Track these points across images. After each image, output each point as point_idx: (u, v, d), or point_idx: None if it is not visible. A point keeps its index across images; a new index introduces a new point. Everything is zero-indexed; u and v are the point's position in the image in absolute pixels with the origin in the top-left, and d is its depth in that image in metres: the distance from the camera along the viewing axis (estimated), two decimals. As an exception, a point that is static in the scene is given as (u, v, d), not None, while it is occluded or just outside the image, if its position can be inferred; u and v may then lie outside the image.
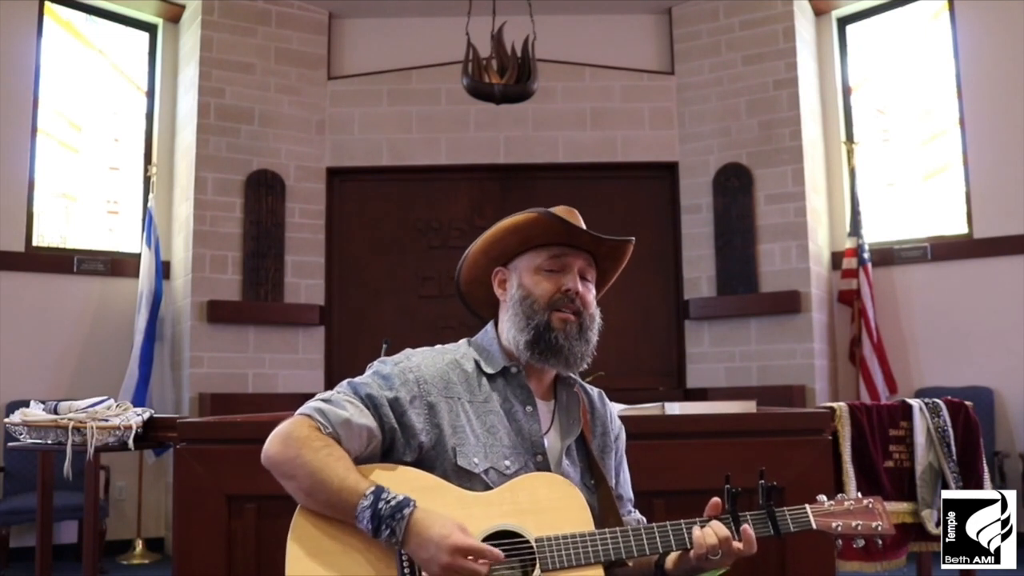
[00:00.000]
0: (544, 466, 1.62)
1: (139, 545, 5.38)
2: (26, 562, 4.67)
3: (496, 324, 1.75)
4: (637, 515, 1.79)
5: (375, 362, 1.68)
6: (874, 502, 1.65)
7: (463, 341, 1.76)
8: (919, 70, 5.90)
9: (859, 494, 1.69)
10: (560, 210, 1.70)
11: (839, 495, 1.66)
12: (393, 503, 1.45)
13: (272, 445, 1.53)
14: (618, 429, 1.83)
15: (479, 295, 1.78)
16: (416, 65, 6.10)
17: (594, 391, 1.83)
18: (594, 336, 1.69)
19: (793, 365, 5.51)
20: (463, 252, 1.77)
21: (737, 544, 1.54)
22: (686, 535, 1.55)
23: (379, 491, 1.46)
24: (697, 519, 1.58)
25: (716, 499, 1.60)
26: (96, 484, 3.62)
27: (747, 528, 1.56)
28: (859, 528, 1.61)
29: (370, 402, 1.58)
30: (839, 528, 1.61)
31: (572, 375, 1.75)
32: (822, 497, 1.65)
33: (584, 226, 1.70)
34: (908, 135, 5.93)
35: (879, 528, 1.62)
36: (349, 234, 6.09)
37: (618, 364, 5.62)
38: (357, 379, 1.64)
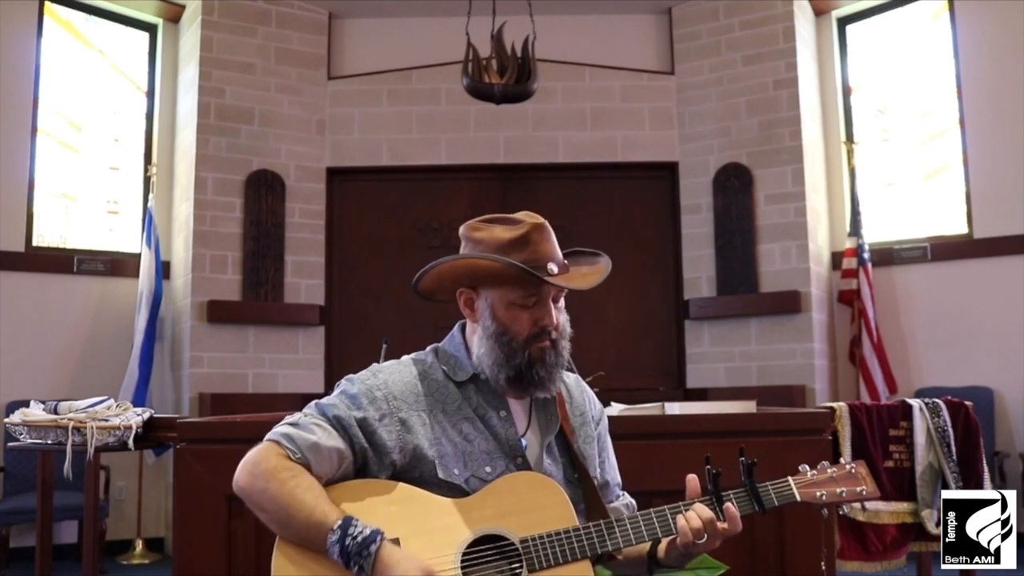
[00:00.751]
0: (525, 468, 1.61)
1: (139, 545, 5.38)
2: (26, 562, 4.67)
3: (463, 330, 1.72)
4: (627, 499, 1.78)
5: (343, 380, 1.66)
6: (856, 466, 1.63)
7: (429, 349, 1.73)
8: (919, 70, 5.90)
9: (841, 460, 1.67)
10: (533, 231, 1.60)
11: (821, 463, 1.64)
12: (360, 539, 1.42)
13: (241, 476, 1.52)
14: (599, 413, 1.81)
15: (433, 292, 1.73)
16: (416, 65, 6.10)
17: (570, 378, 1.80)
18: (567, 351, 1.66)
19: (793, 365, 5.51)
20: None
21: (722, 524, 1.53)
22: (671, 521, 1.54)
23: (346, 525, 1.44)
24: (681, 503, 1.57)
25: (693, 476, 1.59)
26: (96, 484, 3.62)
27: (729, 506, 1.54)
28: (844, 495, 1.60)
29: (338, 423, 1.55)
30: (823, 497, 1.59)
31: None
32: (804, 467, 1.63)
33: (554, 243, 1.63)
34: (908, 135, 5.93)
35: (863, 492, 1.60)
36: (349, 234, 6.09)
37: (618, 364, 5.63)
38: (324, 400, 1.62)
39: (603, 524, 1.54)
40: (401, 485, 1.55)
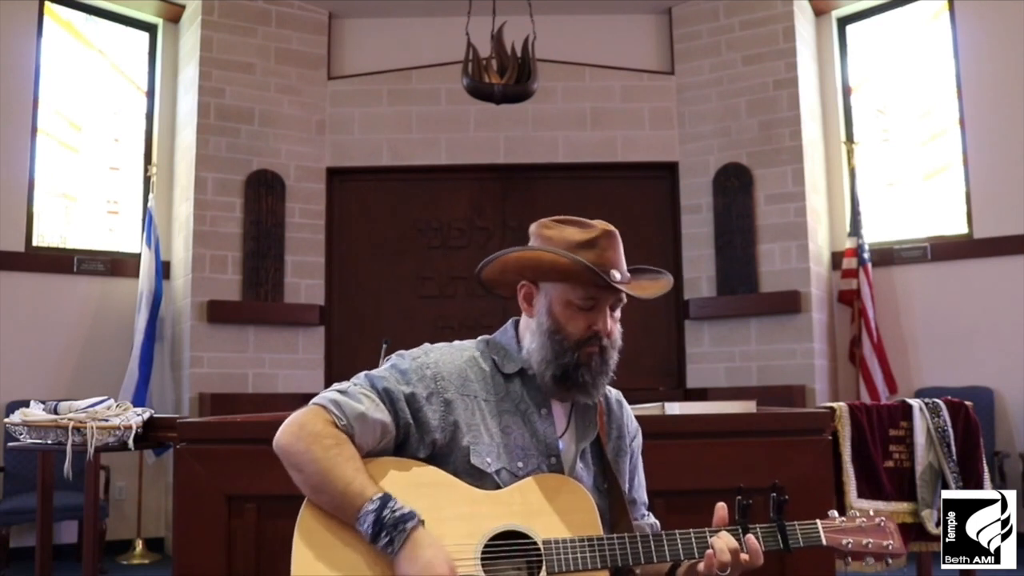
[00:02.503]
0: (557, 469, 1.61)
1: (139, 545, 5.39)
2: (26, 562, 4.67)
3: (516, 325, 1.73)
4: (651, 519, 1.78)
5: (393, 355, 1.67)
6: (886, 520, 1.64)
7: (481, 339, 1.74)
8: (919, 70, 5.90)
9: (871, 512, 1.67)
10: (603, 240, 1.62)
11: (851, 511, 1.65)
12: (399, 513, 1.45)
13: (284, 435, 1.53)
14: (635, 432, 1.81)
15: (495, 284, 1.75)
16: (416, 65, 6.10)
17: (612, 393, 1.81)
18: (614, 361, 1.66)
19: (793, 365, 5.51)
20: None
21: (744, 556, 1.53)
22: (695, 545, 1.54)
23: (386, 499, 1.46)
24: (706, 529, 1.56)
25: (722, 505, 1.58)
26: (96, 484, 3.62)
27: (751, 539, 1.54)
28: (870, 546, 1.59)
29: (387, 396, 1.57)
30: (849, 545, 1.59)
31: None
32: (833, 513, 1.63)
33: (621, 254, 1.65)
34: (908, 135, 5.93)
35: (890, 547, 1.60)
36: (349, 234, 6.09)
37: (618, 364, 5.61)
38: (374, 372, 1.63)
39: (627, 538, 1.54)
40: (434, 469, 1.56)
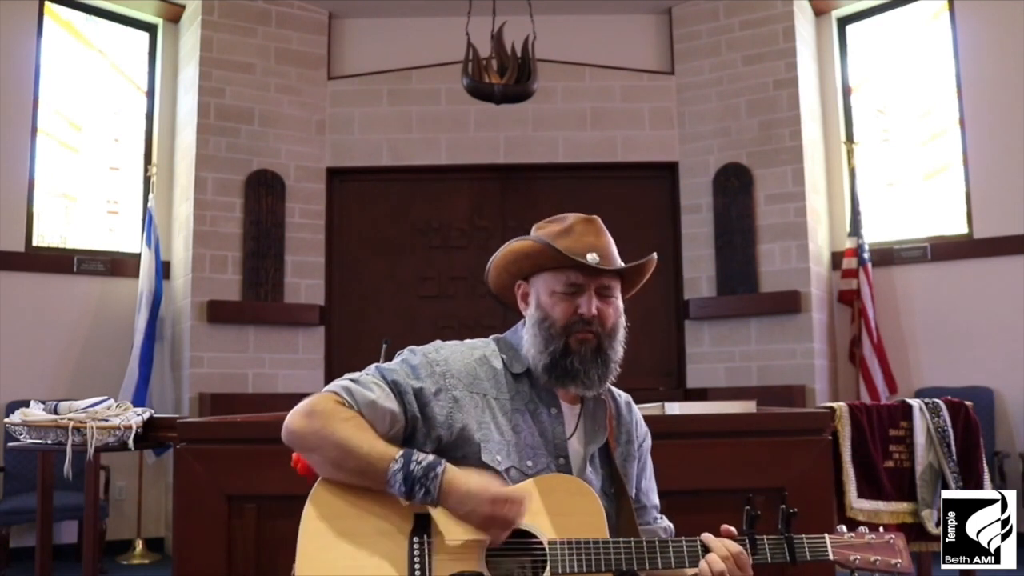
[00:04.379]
0: (566, 469, 1.61)
1: (139, 545, 5.38)
2: (26, 562, 4.67)
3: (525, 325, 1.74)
4: (664, 522, 1.77)
5: (404, 350, 1.68)
6: (895, 538, 1.63)
7: (492, 338, 1.75)
8: (919, 70, 5.90)
9: (881, 529, 1.67)
10: (576, 224, 1.66)
11: (860, 528, 1.64)
12: (424, 463, 1.46)
13: (295, 419, 1.54)
14: (644, 436, 1.81)
15: (509, 297, 1.77)
16: (416, 65, 6.10)
17: (622, 397, 1.81)
18: (615, 352, 1.65)
19: (793, 365, 5.51)
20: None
21: (744, 556, 1.52)
22: (700, 552, 1.53)
23: (409, 453, 1.48)
24: (708, 536, 1.55)
25: (727, 527, 1.57)
26: (96, 484, 3.62)
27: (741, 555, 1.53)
28: (877, 563, 1.59)
29: (396, 388, 1.58)
30: (857, 561, 1.58)
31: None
32: (842, 528, 1.63)
33: (601, 237, 1.66)
34: (908, 135, 5.93)
35: (898, 566, 1.59)
36: (349, 234, 6.09)
37: (618, 364, 5.62)
38: (385, 364, 1.65)
39: (633, 543, 1.53)
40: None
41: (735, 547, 1.53)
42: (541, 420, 1.64)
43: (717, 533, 1.56)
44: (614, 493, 1.66)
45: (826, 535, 1.60)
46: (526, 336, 1.67)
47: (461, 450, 1.57)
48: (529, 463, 1.59)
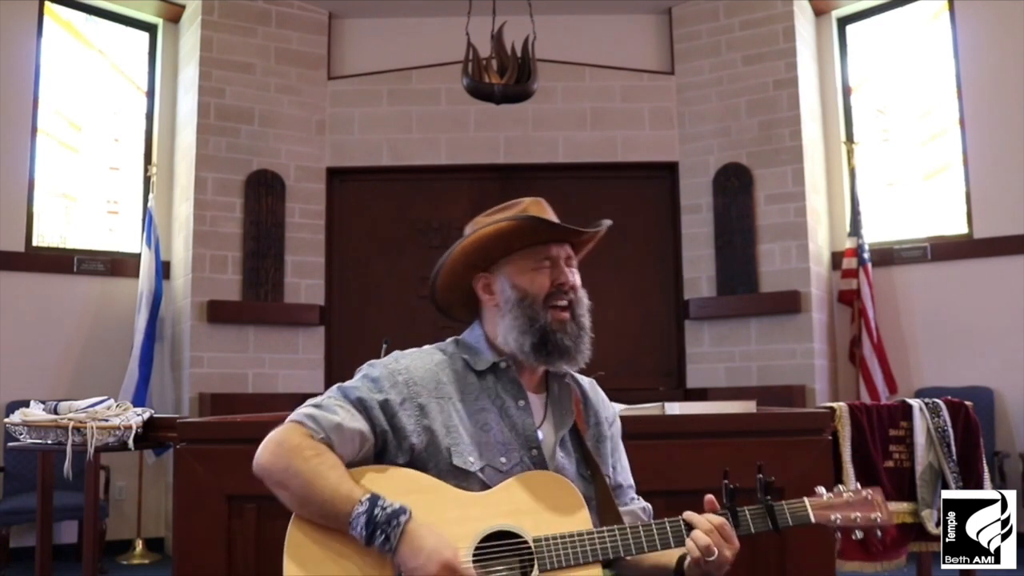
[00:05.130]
0: (539, 460, 1.62)
1: (139, 545, 5.38)
2: (26, 562, 4.67)
3: (481, 323, 1.75)
4: (641, 502, 1.78)
5: (364, 365, 1.68)
6: (872, 493, 1.65)
7: (450, 340, 1.76)
8: (919, 70, 5.90)
9: (857, 485, 1.68)
10: (531, 205, 1.70)
11: (837, 487, 1.65)
12: (389, 510, 1.45)
13: (263, 454, 1.53)
14: (613, 417, 1.83)
15: (451, 299, 1.79)
16: (416, 65, 6.10)
17: (585, 381, 1.82)
18: (588, 321, 1.69)
19: (793, 365, 5.51)
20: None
21: (728, 529, 1.53)
22: (684, 531, 1.54)
23: (375, 498, 1.46)
24: (691, 513, 1.56)
25: (711, 498, 1.59)
26: (96, 484, 3.62)
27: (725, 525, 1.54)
28: (858, 520, 1.61)
29: (361, 405, 1.57)
30: (838, 520, 1.60)
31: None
32: (820, 489, 1.64)
33: (555, 216, 1.71)
34: (908, 135, 5.93)
35: (878, 520, 1.61)
36: (349, 234, 6.09)
37: (618, 364, 5.62)
38: (347, 383, 1.64)
39: (616, 529, 1.54)
40: (418, 474, 1.56)
41: (717, 519, 1.54)
42: (509, 414, 1.64)
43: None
44: (590, 475, 1.67)
45: (805, 499, 1.61)
46: (503, 323, 1.67)
47: (433, 458, 1.57)
48: (502, 459, 1.59)
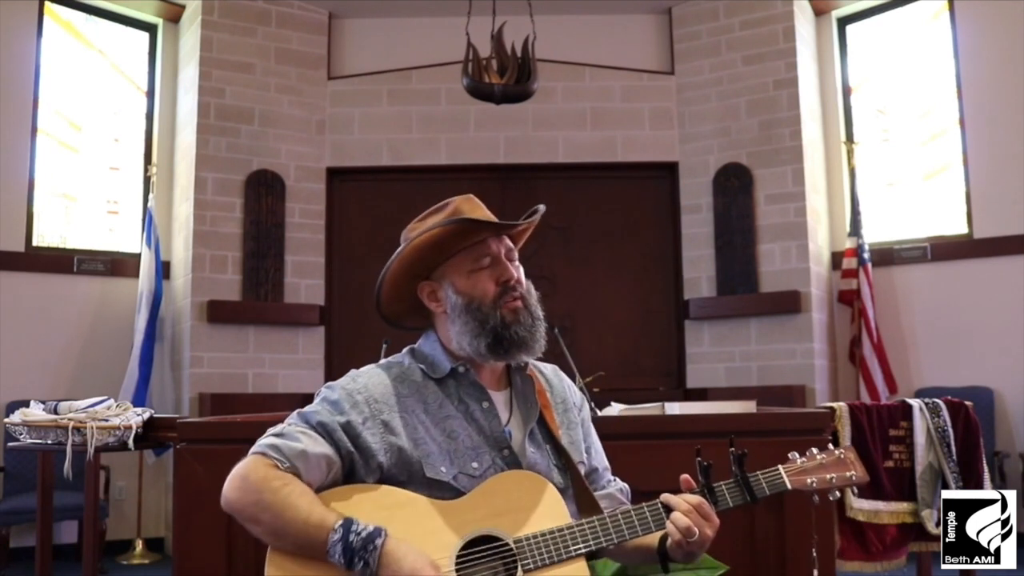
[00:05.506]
0: (512, 459, 1.60)
1: (139, 545, 5.38)
2: (26, 562, 4.67)
3: (435, 329, 1.72)
4: (619, 483, 1.78)
5: (322, 388, 1.65)
6: (845, 452, 1.64)
7: (405, 351, 1.73)
8: (919, 70, 5.90)
9: (831, 446, 1.67)
10: (462, 204, 1.69)
11: (810, 450, 1.64)
12: (364, 534, 1.42)
13: (230, 491, 1.50)
14: (580, 401, 1.82)
15: (399, 311, 1.76)
16: (416, 65, 6.10)
17: (547, 367, 1.81)
18: (539, 309, 1.67)
19: (793, 365, 5.51)
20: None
21: (705, 507, 1.52)
22: (663, 514, 1.54)
23: (348, 523, 1.43)
24: (668, 495, 1.56)
25: (687, 477, 1.59)
26: (96, 484, 3.62)
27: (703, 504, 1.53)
28: (834, 480, 1.60)
29: (323, 429, 1.54)
30: (814, 484, 1.59)
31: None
32: (793, 454, 1.63)
33: (488, 212, 1.70)
34: (908, 135, 5.93)
35: (853, 477, 1.60)
36: (349, 234, 6.09)
37: (618, 364, 5.63)
38: (306, 408, 1.61)
39: (596, 520, 1.54)
40: (390, 489, 1.54)
41: (695, 498, 1.53)
42: (475, 418, 1.62)
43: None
44: (563, 464, 1.66)
45: (779, 466, 1.61)
46: (454, 329, 1.64)
47: (405, 472, 1.55)
48: (474, 465, 1.57)
